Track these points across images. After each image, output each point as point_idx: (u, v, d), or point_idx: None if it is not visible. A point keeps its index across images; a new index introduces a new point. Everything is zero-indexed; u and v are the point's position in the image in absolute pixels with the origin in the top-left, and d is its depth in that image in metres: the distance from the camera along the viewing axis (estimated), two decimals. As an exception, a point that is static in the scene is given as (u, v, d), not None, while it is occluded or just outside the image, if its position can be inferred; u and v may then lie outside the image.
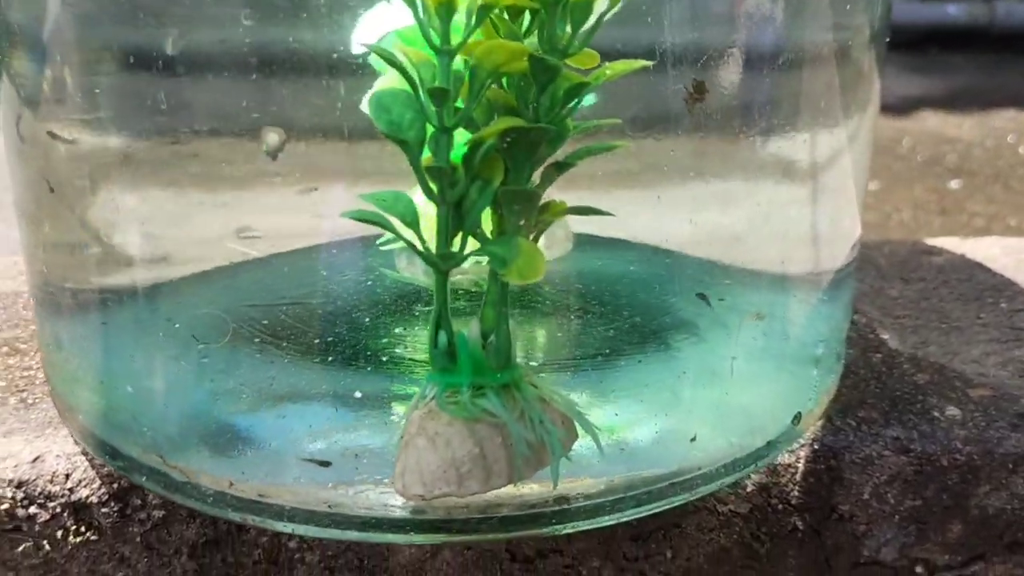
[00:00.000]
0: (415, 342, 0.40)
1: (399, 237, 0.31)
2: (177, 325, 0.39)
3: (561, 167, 0.30)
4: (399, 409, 0.38)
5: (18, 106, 0.38)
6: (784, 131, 0.38)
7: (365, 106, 0.40)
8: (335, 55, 0.33)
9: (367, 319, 0.41)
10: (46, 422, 0.42)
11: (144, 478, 0.36)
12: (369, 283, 0.45)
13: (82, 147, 0.36)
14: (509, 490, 0.33)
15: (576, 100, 0.30)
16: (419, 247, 0.31)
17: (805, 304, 0.40)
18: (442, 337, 0.32)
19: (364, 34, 0.40)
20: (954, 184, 1.76)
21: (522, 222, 0.30)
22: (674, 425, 0.37)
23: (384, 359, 0.39)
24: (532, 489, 0.34)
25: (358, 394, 0.37)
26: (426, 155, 0.30)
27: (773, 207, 0.38)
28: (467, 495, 0.32)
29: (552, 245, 0.45)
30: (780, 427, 0.39)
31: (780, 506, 0.40)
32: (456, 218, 0.31)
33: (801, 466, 0.40)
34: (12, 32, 0.38)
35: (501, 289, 0.32)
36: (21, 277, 0.56)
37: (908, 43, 2.69)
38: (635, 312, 0.42)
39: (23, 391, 0.44)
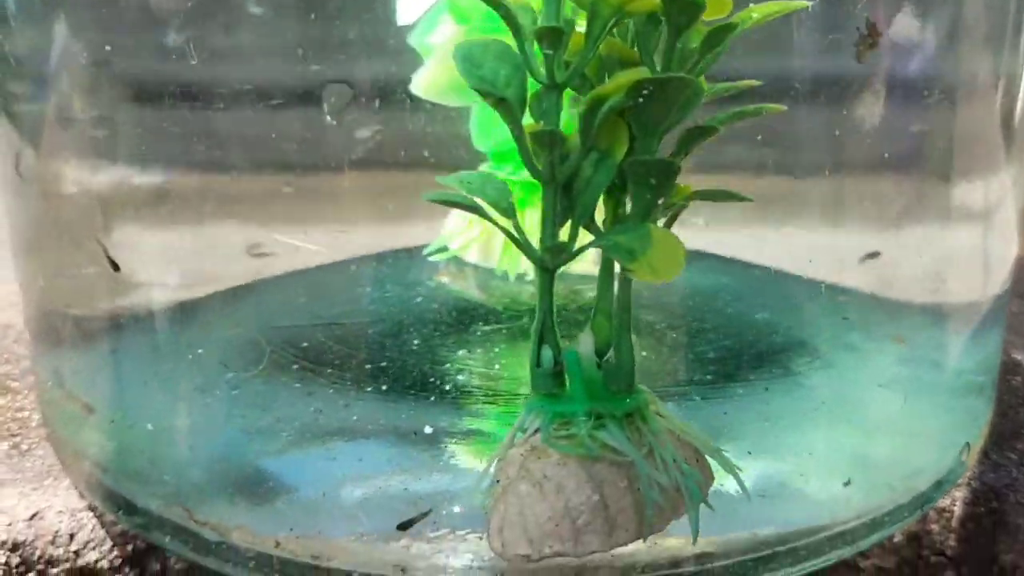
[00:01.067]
0: (483, 367, 0.34)
1: (495, 225, 0.24)
2: (201, 351, 0.33)
3: (704, 132, 0.24)
4: (477, 447, 0.31)
5: (18, 144, 0.33)
6: (945, 162, 0.32)
7: (416, 87, 0.35)
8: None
9: (421, 340, 0.35)
10: (44, 471, 0.35)
11: (167, 537, 0.29)
12: (418, 300, 0.38)
13: (91, 182, 0.31)
14: (637, 547, 0.26)
15: (718, 49, 0.23)
16: (518, 238, 0.24)
17: (963, 331, 0.33)
18: (547, 354, 0.25)
19: (406, 9, 0.34)
20: None
21: (660, 201, 0.23)
22: (820, 466, 0.30)
23: (449, 387, 0.32)
24: (669, 545, 0.27)
25: (428, 429, 0.30)
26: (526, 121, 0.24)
27: (932, 236, 0.33)
28: (585, 554, 0.25)
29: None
30: (946, 465, 0.32)
31: (933, 558, 0.33)
32: (565, 201, 0.24)
33: (957, 510, 0.33)
34: (14, 67, 0.32)
35: (622, 291, 0.25)
36: (12, 309, 0.49)
37: None
38: (742, 333, 0.36)
39: (15, 435, 0.37)
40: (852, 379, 0.33)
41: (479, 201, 0.24)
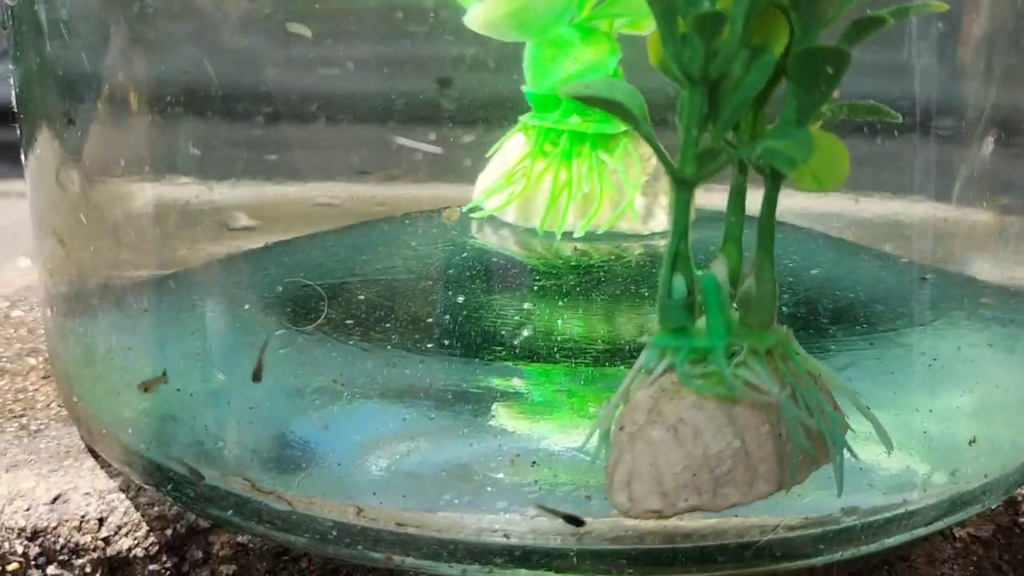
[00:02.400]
0: (554, 323, 0.31)
1: (640, 132, 0.21)
2: (247, 307, 0.30)
3: (875, 22, 0.21)
4: (572, 404, 0.28)
5: (61, 154, 0.30)
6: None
7: (470, 21, 0.32)
8: None
9: (480, 296, 0.32)
10: (62, 452, 0.31)
11: (229, 511, 0.26)
12: (464, 256, 0.35)
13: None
14: (779, 499, 0.23)
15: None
16: (657, 146, 0.22)
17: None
18: (679, 282, 0.23)
19: None
20: None
21: (832, 97, 0.21)
22: (942, 423, 0.27)
23: (525, 343, 0.29)
24: (813, 498, 0.24)
25: (517, 381, 0.27)
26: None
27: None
28: (723, 507, 0.22)
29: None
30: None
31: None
32: (711, 105, 0.22)
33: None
34: (61, 77, 0.30)
35: (766, 209, 0.22)
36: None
37: None
38: (821, 289, 0.33)
39: (21, 416, 0.33)
40: (954, 338, 0.30)
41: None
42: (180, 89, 0.28)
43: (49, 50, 0.30)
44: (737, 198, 0.23)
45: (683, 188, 0.22)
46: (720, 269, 0.23)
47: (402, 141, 0.28)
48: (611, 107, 0.21)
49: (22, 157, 0.33)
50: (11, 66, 0.32)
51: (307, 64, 0.30)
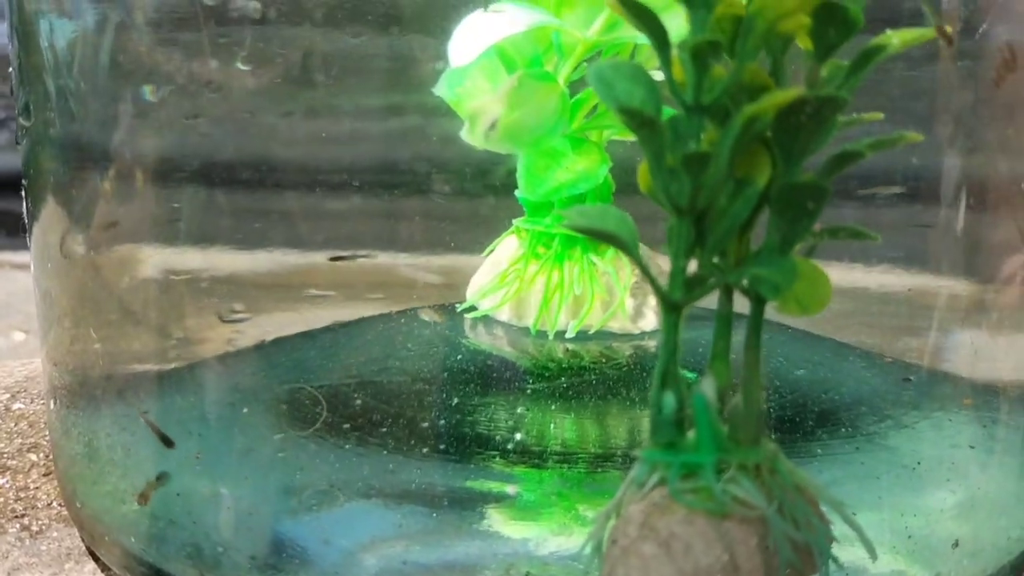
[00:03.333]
0: (547, 427, 0.32)
1: (632, 259, 0.22)
2: (246, 411, 0.30)
3: (852, 156, 0.22)
4: (566, 509, 0.29)
5: (67, 223, 0.31)
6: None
7: (467, 135, 0.33)
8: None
9: (475, 399, 0.33)
10: (63, 554, 0.31)
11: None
12: (460, 357, 0.36)
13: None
14: (767, 611, 0.24)
15: (862, 72, 0.22)
16: (648, 272, 0.23)
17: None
18: (669, 399, 0.24)
19: (461, 45, 0.33)
20: None
21: (815, 228, 0.22)
22: (929, 527, 0.28)
23: (519, 447, 0.30)
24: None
25: (510, 489, 0.28)
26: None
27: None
28: (714, 620, 0.23)
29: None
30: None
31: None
32: (697, 233, 0.23)
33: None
34: (68, 145, 0.30)
35: (752, 330, 0.23)
36: (-3, 383, 0.45)
37: None
38: (804, 391, 0.34)
39: (23, 516, 0.34)
40: (937, 440, 0.31)
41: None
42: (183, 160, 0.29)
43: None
44: (723, 321, 0.24)
45: (672, 311, 0.23)
46: (709, 387, 0.24)
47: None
48: (604, 237, 0.22)
49: (26, 229, 0.33)
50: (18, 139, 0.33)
51: (312, 139, 0.31)
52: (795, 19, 0.21)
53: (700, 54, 0.21)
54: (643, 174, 0.23)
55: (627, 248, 0.23)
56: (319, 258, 0.33)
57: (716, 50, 0.21)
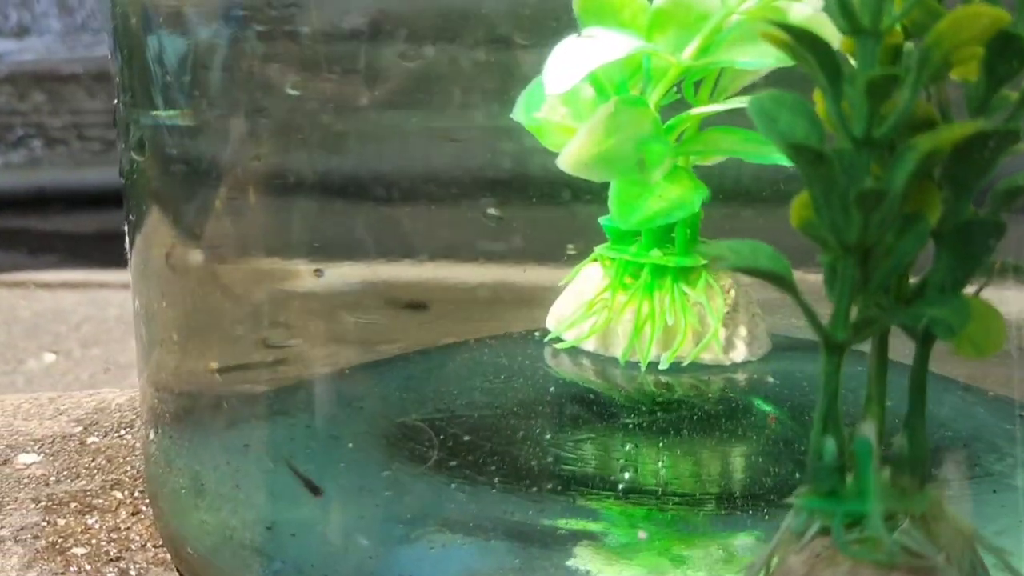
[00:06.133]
0: (645, 463, 0.31)
1: (793, 297, 0.21)
2: (351, 445, 0.29)
3: (1018, 191, 0.21)
4: (698, 553, 0.28)
5: (173, 236, 0.31)
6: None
7: (562, 162, 0.33)
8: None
9: (578, 435, 0.32)
10: (165, 602, 0.30)
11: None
12: (553, 391, 0.35)
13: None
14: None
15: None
16: (810, 311, 0.22)
17: None
18: (830, 445, 0.23)
19: (557, 72, 0.33)
20: None
21: (994, 265, 0.21)
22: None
23: (631, 486, 0.29)
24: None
25: (642, 535, 0.27)
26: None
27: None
28: None
29: (753, 342, 0.37)
30: None
31: None
32: (860, 271, 0.22)
33: None
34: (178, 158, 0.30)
35: (918, 369, 0.22)
36: (62, 416, 0.44)
37: None
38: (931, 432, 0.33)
39: (118, 559, 0.33)
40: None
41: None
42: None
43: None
44: (881, 362, 0.23)
45: (835, 352, 0.22)
46: (870, 430, 0.23)
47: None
48: (763, 275, 0.21)
49: (127, 247, 0.32)
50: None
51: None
52: (970, 49, 0.20)
53: (877, 88, 0.20)
54: (799, 208, 0.22)
55: (787, 285, 0.22)
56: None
57: (893, 85, 0.20)
